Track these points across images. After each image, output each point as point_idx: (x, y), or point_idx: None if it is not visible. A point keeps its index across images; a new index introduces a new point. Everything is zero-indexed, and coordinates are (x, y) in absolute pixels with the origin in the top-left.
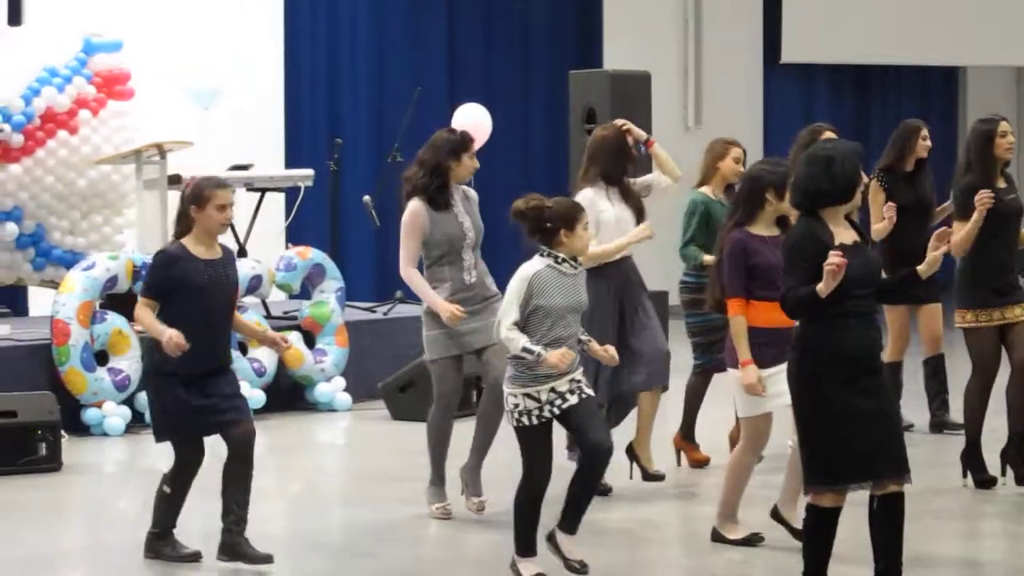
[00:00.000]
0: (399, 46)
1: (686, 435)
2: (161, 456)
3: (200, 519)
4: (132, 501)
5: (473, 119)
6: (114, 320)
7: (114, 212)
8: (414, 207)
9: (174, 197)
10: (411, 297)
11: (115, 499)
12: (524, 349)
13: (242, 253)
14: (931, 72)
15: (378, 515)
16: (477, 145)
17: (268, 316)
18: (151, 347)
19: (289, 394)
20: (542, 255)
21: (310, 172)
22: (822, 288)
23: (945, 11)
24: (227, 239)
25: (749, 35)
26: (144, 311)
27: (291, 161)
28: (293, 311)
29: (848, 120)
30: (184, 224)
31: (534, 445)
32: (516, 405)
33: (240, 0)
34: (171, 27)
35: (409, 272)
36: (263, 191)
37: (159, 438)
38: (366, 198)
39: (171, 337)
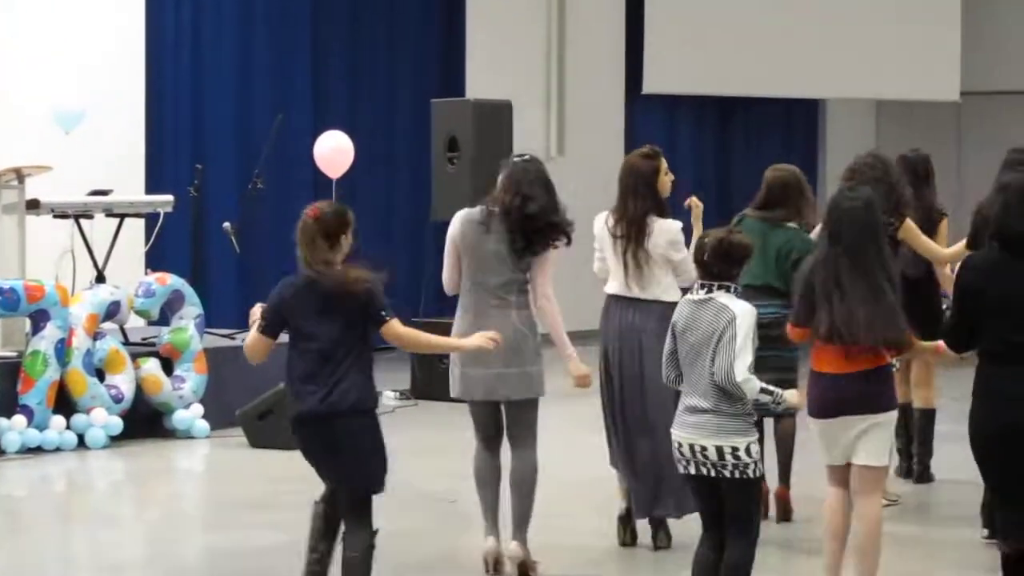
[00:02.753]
0: (263, 73)
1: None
2: None
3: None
4: None
5: (335, 147)
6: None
7: None
8: None
9: (32, 222)
10: None
11: None
12: (763, 390)
13: (100, 279)
14: (793, 104)
15: (236, 542)
16: (339, 172)
17: (126, 342)
18: (366, 383)
19: (148, 421)
20: (731, 291)
21: (170, 198)
22: None
23: (806, 44)
24: (85, 265)
25: (611, 66)
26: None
27: (152, 187)
28: (152, 337)
29: (710, 151)
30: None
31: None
32: (758, 452)
33: (101, 23)
34: (29, 50)
35: (554, 303)
36: (123, 216)
37: (381, 486)
38: (226, 224)
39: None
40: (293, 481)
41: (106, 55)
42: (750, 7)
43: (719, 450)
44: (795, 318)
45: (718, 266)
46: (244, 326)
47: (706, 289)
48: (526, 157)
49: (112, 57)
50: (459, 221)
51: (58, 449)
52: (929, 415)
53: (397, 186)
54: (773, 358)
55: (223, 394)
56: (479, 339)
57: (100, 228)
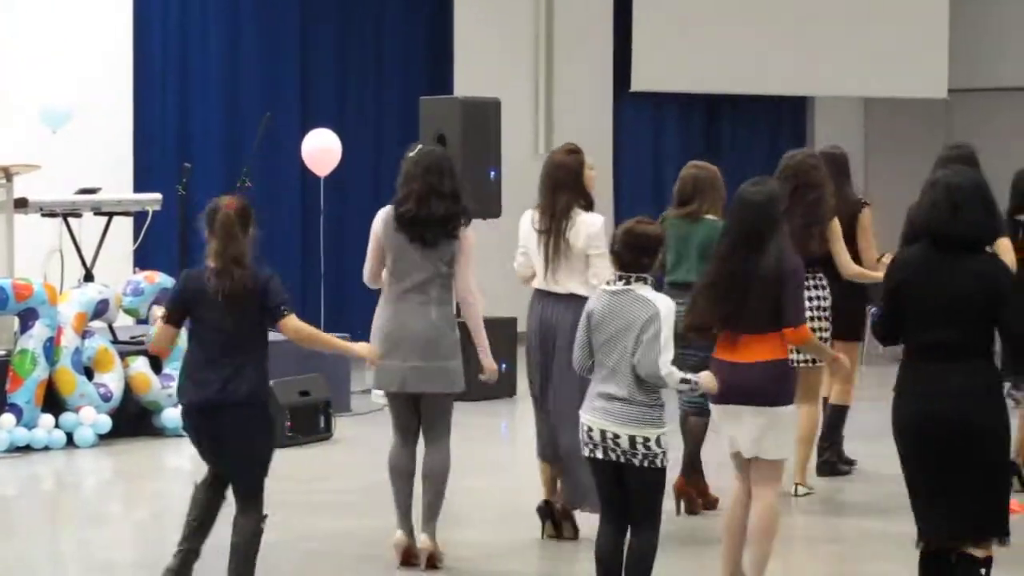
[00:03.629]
0: (251, 71)
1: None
2: None
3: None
4: None
5: (324, 145)
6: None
7: None
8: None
9: (20, 221)
10: None
11: None
12: (683, 380)
13: (89, 277)
14: (780, 102)
15: (224, 540)
16: (327, 171)
17: (115, 341)
18: (261, 376)
19: (136, 419)
20: (647, 283)
21: (158, 196)
22: None
23: (794, 42)
24: (74, 263)
25: (599, 63)
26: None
27: (140, 185)
28: (140, 336)
29: (698, 149)
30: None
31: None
32: (667, 443)
33: (88, 22)
34: (17, 49)
35: (479, 298)
36: (111, 215)
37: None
38: None
39: (372, 349)
40: (281, 479)
41: (94, 53)
42: (738, 5)
43: (631, 439)
44: (699, 313)
45: (628, 255)
46: None
47: (624, 280)
48: (420, 149)
49: (100, 55)
50: (381, 217)
51: (47, 448)
52: (839, 411)
53: (385, 184)
54: (692, 357)
55: None
56: (364, 349)
57: (88, 226)
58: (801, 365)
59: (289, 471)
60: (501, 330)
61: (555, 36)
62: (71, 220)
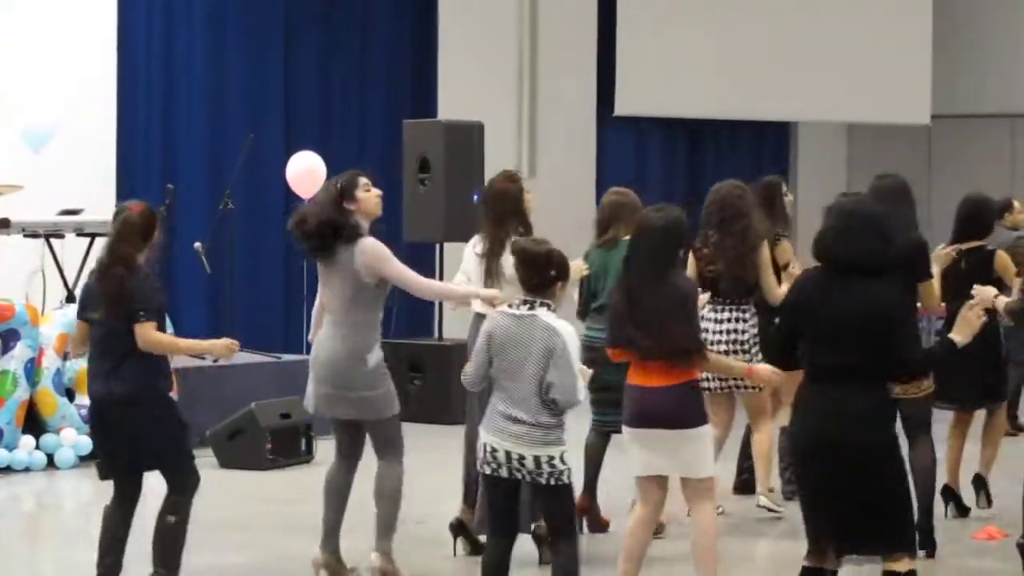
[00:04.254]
0: (235, 92)
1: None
2: None
3: None
4: None
5: (308, 167)
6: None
7: None
8: (372, 240)
9: (2, 241)
10: (242, 344)
11: None
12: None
13: (71, 298)
14: (763, 127)
15: (206, 562)
16: (311, 192)
17: None
18: (144, 374)
19: None
20: (551, 309)
21: None
22: (961, 339)
23: (778, 67)
24: (56, 284)
25: (583, 87)
26: (163, 334)
27: None
28: None
29: (681, 173)
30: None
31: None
32: (566, 462)
33: (72, 42)
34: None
35: (427, 282)
36: (93, 236)
37: (190, 463)
38: (197, 244)
39: (228, 344)
40: (262, 501)
41: (78, 74)
42: (721, 30)
43: (536, 459)
44: (608, 339)
45: (523, 272)
46: None
47: (528, 305)
48: None
49: (84, 76)
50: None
51: (27, 469)
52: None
53: None
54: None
55: (193, 414)
56: (221, 344)
57: (71, 247)
58: (747, 391)
59: (270, 493)
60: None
61: (539, 60)
62: (53, 241)
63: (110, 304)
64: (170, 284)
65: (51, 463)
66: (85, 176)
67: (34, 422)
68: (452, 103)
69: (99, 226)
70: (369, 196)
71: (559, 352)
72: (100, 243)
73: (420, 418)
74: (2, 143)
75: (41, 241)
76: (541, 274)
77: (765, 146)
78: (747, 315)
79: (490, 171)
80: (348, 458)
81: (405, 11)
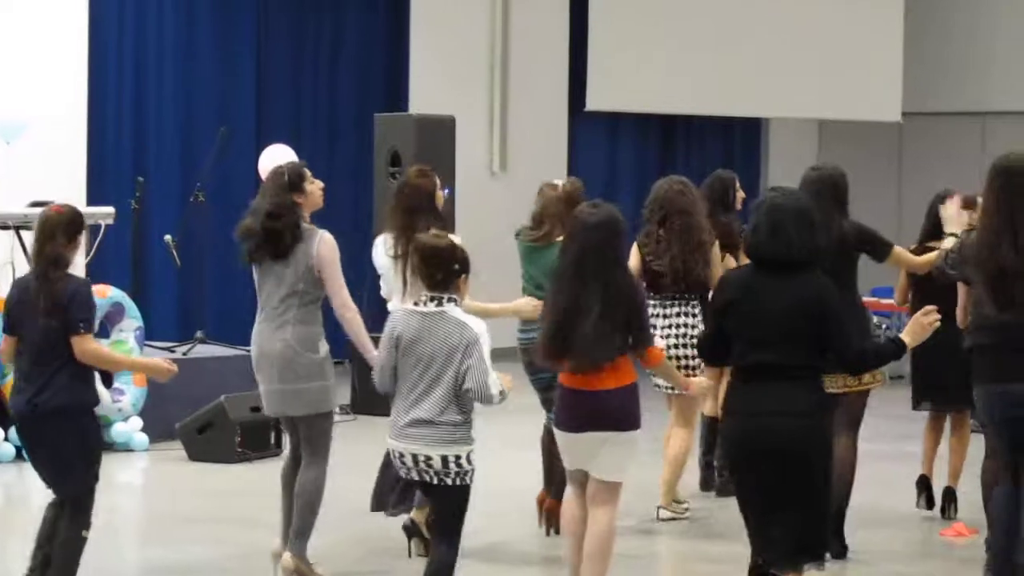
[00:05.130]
0: (206, 85)
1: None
2: None
3: None
4: None
5: (279, 160)
6: None
7: None
8: (331, 236)
9: None
10: (212, 337)
11: None
12: (502, 393)
13: None
14: (734, 123)
15: (174, 555)
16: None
17: None
18: (77, 386)
19: None
20: (458, 304)
21: (111, 210)
22: (911, 341)
23: (749, 64)
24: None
25: (555, 82)
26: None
27: (93, 199)
28: None
29: (652, 169)
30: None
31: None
32: (473, 460)
33: (43, 32)
34: None
35: (356, 312)
36: None
37: (96, 480)
38: (167, 237)
39: (167, 368)
40: (232, 495)
41: (49, 66)
42: (693, 26)
43: (443, 459)
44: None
45: (426, 268)
46: (184, 339)
47: (436, 302)
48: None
49: (54, 68)
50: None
51: None
52: None
53: (340, 200)
54: (542, 379)
55: (162, 407)
56: (159, 365)
57: None
58: (680, 392)
59: (238, 487)
60: None
61: (511, 54)
62: (23, 232)
63: (52, 313)
64: (140, 277)
65: (20, 455)
66: (56, 168)
67: (3, 414)
68: (423, 97)
69: None
70: (315, 188)
71: (472, 345)
72: None
73: (387, 412)
74: None
75: (11, 233)
76: (445, 269)
77: (736, 142)
78: (696, 310)
79: (461, 165)
80: (299, 459)
81: (377, 4)
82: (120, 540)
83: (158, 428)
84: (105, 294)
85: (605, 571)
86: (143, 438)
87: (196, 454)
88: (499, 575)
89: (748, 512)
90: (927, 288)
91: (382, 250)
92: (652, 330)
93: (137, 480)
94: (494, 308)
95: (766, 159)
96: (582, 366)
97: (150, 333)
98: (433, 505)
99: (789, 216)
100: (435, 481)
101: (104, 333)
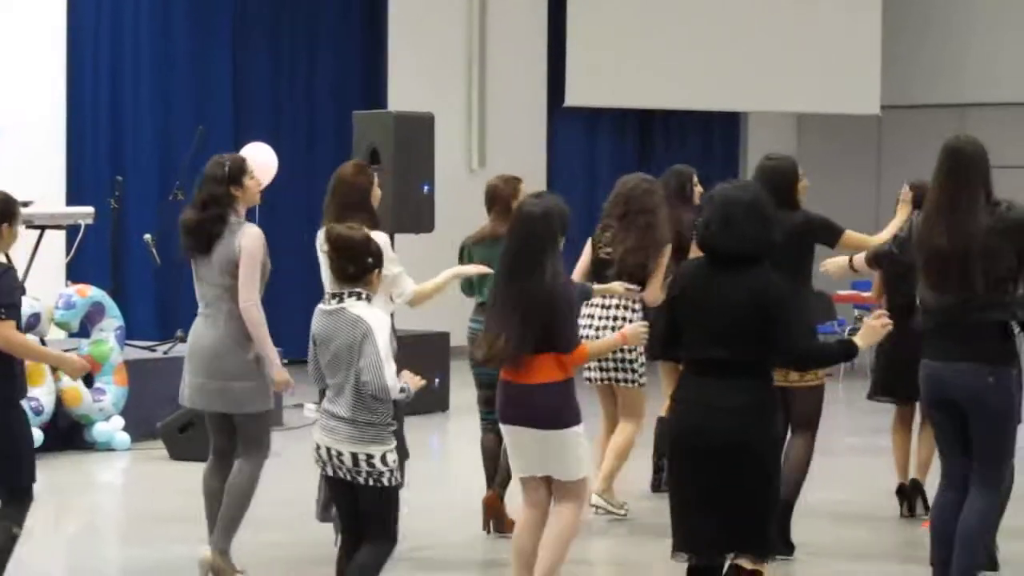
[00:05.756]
0: (184, 84)
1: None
2: None
3: None
4: None
5: (258, 159)
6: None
7: None
8: (258, 231)
9: None
10: None
11: None
12: (402, 390)
13: (22, 291)
14: (713, 117)
15: (156, 555)
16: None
17: None
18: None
19: (67, 433)
20: (361, 298)
21: (90, 210)
22: (863, 344)
23: (727, 58)
24: None
25: (533, 78)
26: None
27: (72, 198)
28: (72, 349)
29: (631, 163)
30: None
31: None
32: (395, 460)
33: (20, 34)
34: None
35: (258, 309)
36: (43, 228)
37: (30, 479)
38: (147, 236)
39: (81, 365)
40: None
41: (27, 66)
42: (672, 21)
43: (354, 456)
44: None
45: (339, 262)
46: (165, 338)
47: (337, 299)
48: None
49: (32, 68)
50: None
51: None
52: None
53: (318, 198)
54: (485, 376)
55: (143, 406)
56: (72, 364)
57: (20, 240)
58: (622, 385)
59: None
60: (434, 344)
61: (488, 51)
62: None
63: None
64: (120, 276)
65: None
66: (35, 168)
67: None
68: (402, 94)
69: (48, 218)
70: (254, 183)
71: (365, 338)
72: (50, 235)
73: None
74: None
75: None
76: (358, 262)
77: (715, 137)
78: (636, 304)
79: (440, 162)
80: (221, 455)
81: (354, 2)
82: (101, 539)
83: (139, 427)
84: (85, 293)
85: (558, 563)
86: (124, 437)
87: (178, 453)
88: None
89: (678, 504)
90: (895, 281)
91: (319, 244)
92: (584, 328)
93: (118, 480)
94: (438, 280)
95: (745, 153)
96: (525, 350)
97: (130, 332)
98: (361, 505)
99: (741, 209)
100: (349, 478)
101: (85, 332)
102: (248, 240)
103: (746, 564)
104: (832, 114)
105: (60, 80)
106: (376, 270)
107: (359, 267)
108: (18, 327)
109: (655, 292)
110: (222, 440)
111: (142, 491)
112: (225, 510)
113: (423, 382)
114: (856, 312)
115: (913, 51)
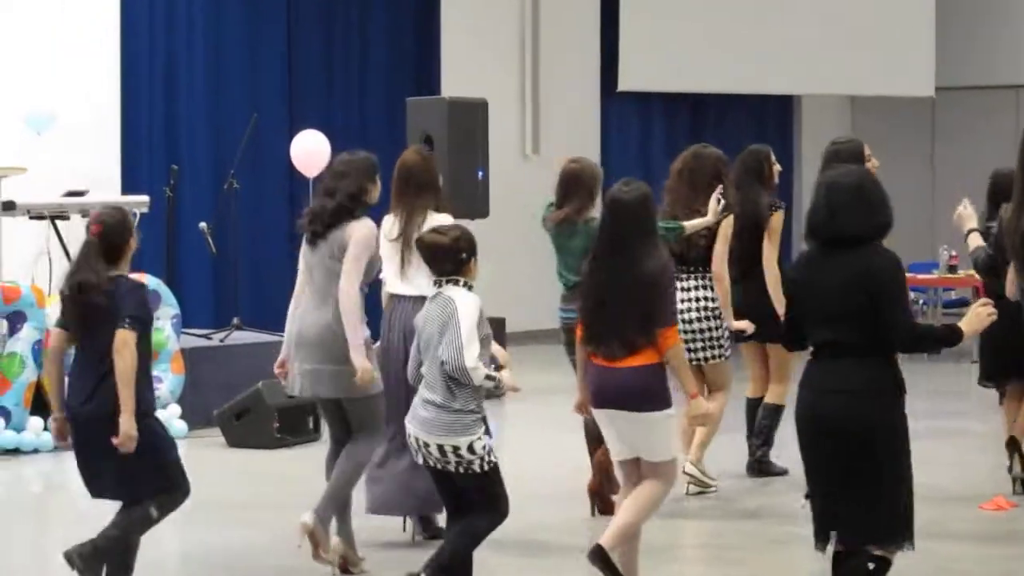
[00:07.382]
0: (237, 73)
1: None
2: None
3: None
4: None
5: (311, 146)
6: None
7: None
8: (372, 224)
9: (8, 223)
10: (248, 323)
11: None
12: (488, 377)
13: None
14: (766, 100)
15: (213, 540)
16: (315, 172)
17: None
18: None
19: None
20: (458, 284)
21: (145, 198)
22: (968, 330)
23: (780, 41)
24: (61, 266)
25: (586, 63)
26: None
27: (127, 187)
28: None
29: (684, 148)
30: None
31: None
32: (484, 447)
33: (76, 24)
34: (2, 51)
35: (358, 297)
36: None
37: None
38: (202, 225)
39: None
40: (271, 481)
41: (82, 56)
42: (724, 5)
43: (440, 448)
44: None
45: (435, 265)
46: (220, 326)
47: (437, 285)
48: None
49: (88, 58)
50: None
51: (35, 451)
52: (774, 411)
53: None
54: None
55: (200, 394)
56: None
57: (76, 229)
58: (711, 362)
59: (277, 472)
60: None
61: (542, 36)
62: (59, 222)
63: None
64: (175, 265)
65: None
66: (90, 157)
67: (42, 404)
68: (455, 80)
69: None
70: (377, 187)
71: (450, 317)
72: None
73: None
74: (5, 126)
75: (46, 223)
76: (454, 260)
77: (768, 120)
78: (711, 282)
79: (494, 148)
80: (340, 443)
81: None
82: (160, 526)
83: (196, 415)
84: (141, 282)
85: (632, 527)
86: (182, 425)
87: (234, 440)
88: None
89: (817, 491)
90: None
91: (383, 238)
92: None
93: None
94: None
95: (798, 137)
96: (610, 352)
97: (186, 320)
98: (462, 491)
99: (847, 196)
100: (439, 467)
101: None
102: (359, 229)
103: (875, 550)
104: (886, 96)
105: (115, 69)
106: (472, 259)
107: (455, 263)
108: (143, 345)
109: (718, 264)
110: (337, 428)
111: (199, 478)
112: (333, 481)
113: (517, 386)
114: (911, 295)
115: (968, 31)
